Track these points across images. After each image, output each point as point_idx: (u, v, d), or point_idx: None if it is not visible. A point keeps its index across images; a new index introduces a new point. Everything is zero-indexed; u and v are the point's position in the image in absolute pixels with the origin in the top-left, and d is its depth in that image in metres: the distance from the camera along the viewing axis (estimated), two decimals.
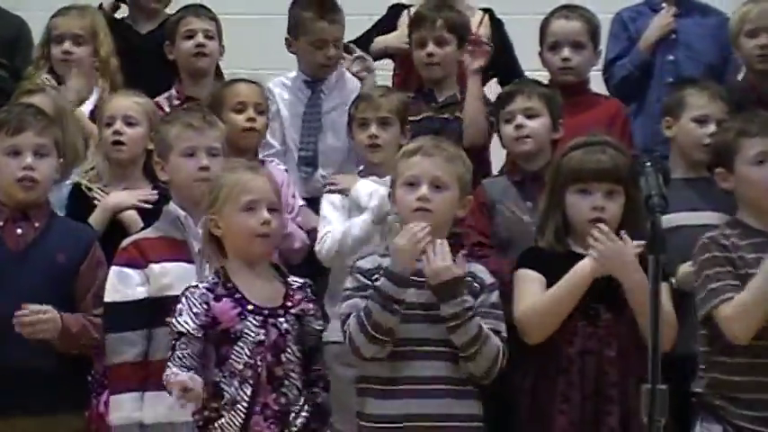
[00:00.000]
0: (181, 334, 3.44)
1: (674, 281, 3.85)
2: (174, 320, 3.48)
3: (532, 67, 4.94)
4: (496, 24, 5.14)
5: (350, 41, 5.02)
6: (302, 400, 3.51)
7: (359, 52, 4.99)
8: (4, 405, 3.69)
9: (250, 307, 3.49)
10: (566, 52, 4.75)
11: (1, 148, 3.82)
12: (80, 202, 4.25)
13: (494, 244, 4.10)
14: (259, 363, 3.46)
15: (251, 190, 3.53)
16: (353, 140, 4.44)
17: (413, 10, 5.02)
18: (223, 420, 3.45)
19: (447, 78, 4.77)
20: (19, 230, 3.81)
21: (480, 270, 3.59)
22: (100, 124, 4.39)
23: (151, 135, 4.20)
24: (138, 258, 3.75)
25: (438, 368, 3.47)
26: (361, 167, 4.45)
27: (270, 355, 3.47)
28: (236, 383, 3.45)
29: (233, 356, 3.46)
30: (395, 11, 5.23)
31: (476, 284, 3.52)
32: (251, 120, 4.51)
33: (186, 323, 3.45)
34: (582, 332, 3.58)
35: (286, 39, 4.90)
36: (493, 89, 4.86)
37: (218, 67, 5.04)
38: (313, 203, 4.51)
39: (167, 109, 4.69)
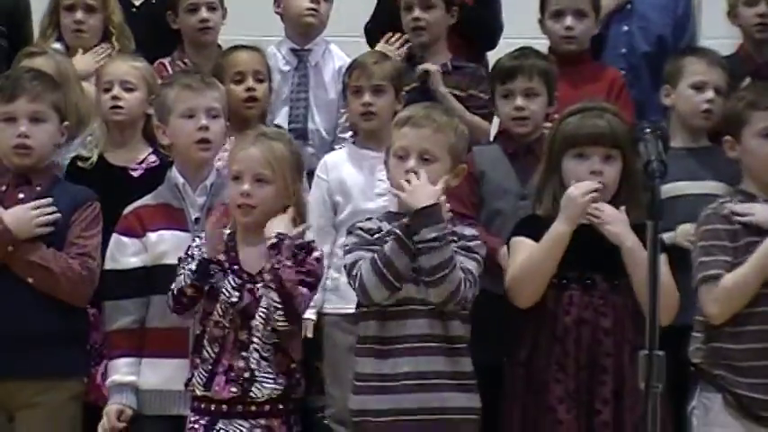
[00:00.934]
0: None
1: (674, 234, 3.87)
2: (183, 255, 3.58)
3: (532, 35, 4.88)
4: None
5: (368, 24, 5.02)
6: (270, 370, 3.51)
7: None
8: (4, 368, 3.68)
9: (236, 267, 3.53)
10: (569, 21, 4.69)
11: None
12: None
13: (482, 215, 4.07)
14: (227, 324, 3.51)
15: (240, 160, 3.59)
16: (348, 108, 4.38)
17: None
18: (193, 378, 3.54)
19: (435, 44, 4.73)
20: (21, 195, 3.80)
21: (464, 228, 3.57)
22: (99, 89, 4.35)
23: (150, 99, 4.19)
24: (136, 227, 3.78)
25: (422, 326, 3.45)
26: (349, 134, 4.43)
27: (239, 319, 3.51)
28: (206, 341, 3.53)
29: (212, 315, 3.52)
30: None
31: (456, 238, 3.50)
32: (250, 89, 4.48)
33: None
34: (578, 301, 3.57)
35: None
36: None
37: None
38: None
39: (171, 70, 4.69)
